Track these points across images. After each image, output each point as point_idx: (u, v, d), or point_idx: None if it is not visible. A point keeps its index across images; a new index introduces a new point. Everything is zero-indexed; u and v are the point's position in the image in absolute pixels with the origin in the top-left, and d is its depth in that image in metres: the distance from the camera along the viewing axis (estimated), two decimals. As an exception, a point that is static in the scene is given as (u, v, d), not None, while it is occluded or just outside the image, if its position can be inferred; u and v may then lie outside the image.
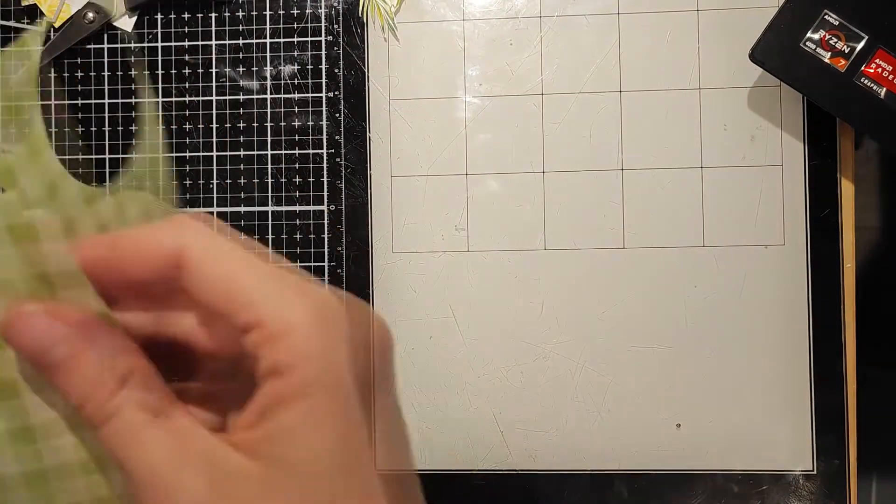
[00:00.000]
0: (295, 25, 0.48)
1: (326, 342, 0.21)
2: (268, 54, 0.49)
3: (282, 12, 0.48)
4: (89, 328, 0.20)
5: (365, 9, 0.48)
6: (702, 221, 0.46)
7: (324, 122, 0.48)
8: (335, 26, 0.48)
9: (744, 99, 0.46)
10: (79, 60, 0.49)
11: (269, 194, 0.48)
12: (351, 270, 0.48)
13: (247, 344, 0.21)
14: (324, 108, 0.48)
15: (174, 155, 0.49)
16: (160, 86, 0.49)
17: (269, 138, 0.49)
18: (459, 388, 0.47)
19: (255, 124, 0.48)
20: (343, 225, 0.48)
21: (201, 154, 0.49)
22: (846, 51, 0.43)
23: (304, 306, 0.21)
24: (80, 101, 0.49)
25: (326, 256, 0.48)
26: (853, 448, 0.45)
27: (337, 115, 0.48)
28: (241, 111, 0.49)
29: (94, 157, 0.49)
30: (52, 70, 0.50)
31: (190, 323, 0.24)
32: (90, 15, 0.49)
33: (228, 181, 0.49)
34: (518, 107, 0.47)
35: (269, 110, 0.48)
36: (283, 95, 0.48)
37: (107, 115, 0.49)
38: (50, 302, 0.20)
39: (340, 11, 0.48)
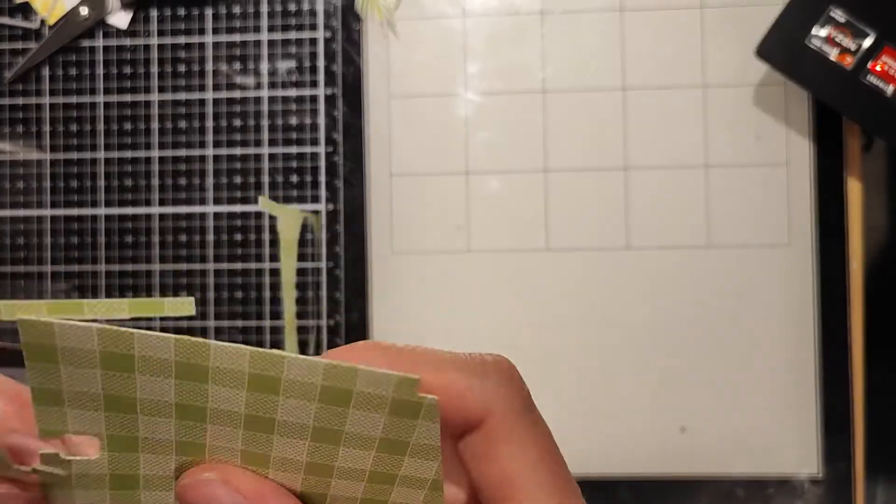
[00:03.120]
0: (292, 21, 0.48)
1: None
2: (264, 51, 0.48)
3: (279, 8, 0.48)
4: (266, 497, 0.20)
5: (363, 4, 0.47)
6: (706, 221, 0.46)
7: (321, 120, 0.48)
8: (333, 22, 0.48)
9: (749, 97, 0.46)
10: (73, 58, 0.49)
11: (266, 193, 0.48)
12: (349, 271, 0.47)
13: None
14: (321, 106, 0.48)
15: (170, 154, 0.48)
16: (155, 83, 0.49)
17: (265, 136, 0.48)
18: (459, 391, 0.46)
19: (251, 122, 0.48)
20: (341, 224, 0.47)
21: (197, 152, 0.48)
22: (853, 48, 0.42)
23: None
24: (74, 99, 0.49)
25: (325, 257, 0.47)
26: (860, 452, 0.45)
27: (335, 112, 0.48)
28: (238, 109, 0.48)
29: (88, 155, 0.49)
30: (47, 68, 0.49)
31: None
32: (84, 12, 0.48)
33: (224, 180, 0.48)
34: (519, 104, 0.47)
35: (265, 108, 0.48)
36: (280, 93, 0.48)
37: (101, 112, 0.49)
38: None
39: (338, 7, 0.48)
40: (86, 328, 0.18)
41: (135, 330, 0.18)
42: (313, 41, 0.48)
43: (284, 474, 0.20)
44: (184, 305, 0.20)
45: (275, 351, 0.18)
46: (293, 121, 0.48)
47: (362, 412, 0.19)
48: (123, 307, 0.19)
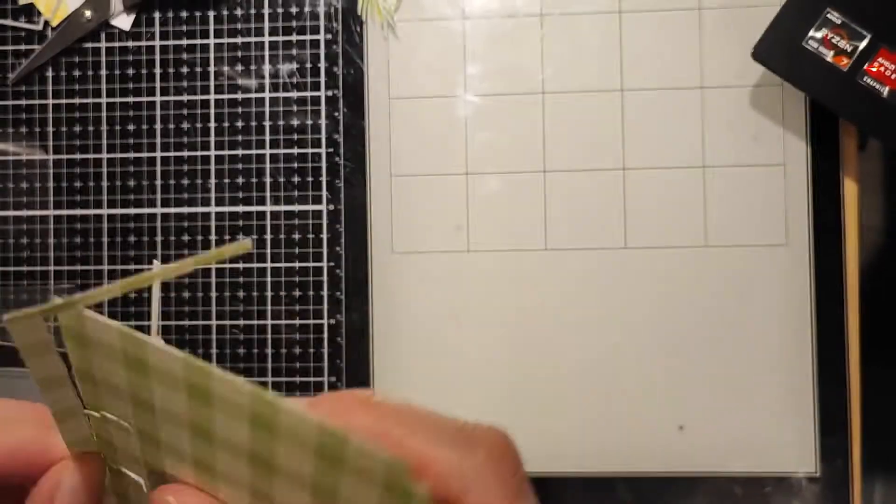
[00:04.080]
0: (293, 24, 0.48)
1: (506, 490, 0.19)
2: (266, 53, 0.48)
3: (280, 10, 0.48)
4: None
5: (364, 6, 0.48)
6: (704, 221, 0.46)
7: (323, 121, 0.48)
8: (334, 24, 0.48)
9: (746, 98, 0.46)
10: (76, 59, 0.49)
11: (268, 194, 0.48)
12: (350, 271, 0.47)
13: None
14: (323, 107, 0.48)
15: (172, 154, 0.49)
16: (158, 84, 0.49)
17: (267, 137, 0.48)
18: (459, 389, 0.47)
19: (253, 123, 0.48)
20: (342, 225, 0.48)
21: (199, 153, 0.49)
22: (849, 49, 0.42)
23: (482, 454, 0.19)
24: (77, 101, 0.49)
25: (325, 257, 0.48)
26: (857, 450, 0.45)
27: (336, 113, 0.48)
28: (240, 110, 0.48)
29: (91, 156, 0.49)
30: (50, 69, 0.49)
31: None
32: (88, 14, 0.49)
33: (227, 181, 0.48)
34: (519, 105, 0.47)
35: (267, 109, 0.48)
36: (281, 94, 0.48)
37: (104, 113, 0.49)
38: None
39: (339, 9, 0.48)
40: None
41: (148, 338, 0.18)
42: (315, 43, 0.48)
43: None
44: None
45: (270, 397, 0.17)
46: (295, 122, 0.48)
47: (355, 479, 0.17)
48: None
